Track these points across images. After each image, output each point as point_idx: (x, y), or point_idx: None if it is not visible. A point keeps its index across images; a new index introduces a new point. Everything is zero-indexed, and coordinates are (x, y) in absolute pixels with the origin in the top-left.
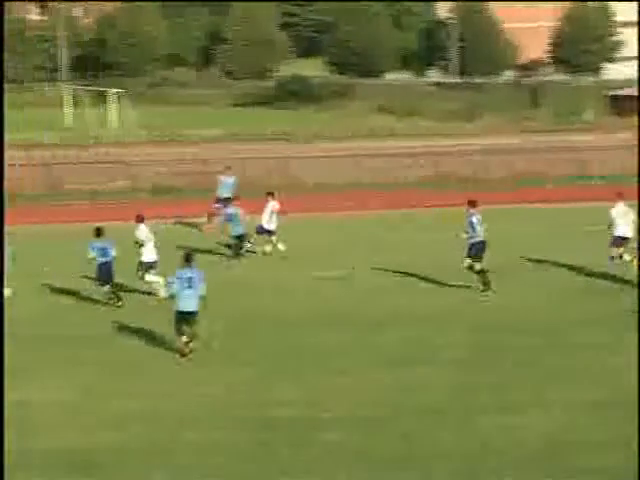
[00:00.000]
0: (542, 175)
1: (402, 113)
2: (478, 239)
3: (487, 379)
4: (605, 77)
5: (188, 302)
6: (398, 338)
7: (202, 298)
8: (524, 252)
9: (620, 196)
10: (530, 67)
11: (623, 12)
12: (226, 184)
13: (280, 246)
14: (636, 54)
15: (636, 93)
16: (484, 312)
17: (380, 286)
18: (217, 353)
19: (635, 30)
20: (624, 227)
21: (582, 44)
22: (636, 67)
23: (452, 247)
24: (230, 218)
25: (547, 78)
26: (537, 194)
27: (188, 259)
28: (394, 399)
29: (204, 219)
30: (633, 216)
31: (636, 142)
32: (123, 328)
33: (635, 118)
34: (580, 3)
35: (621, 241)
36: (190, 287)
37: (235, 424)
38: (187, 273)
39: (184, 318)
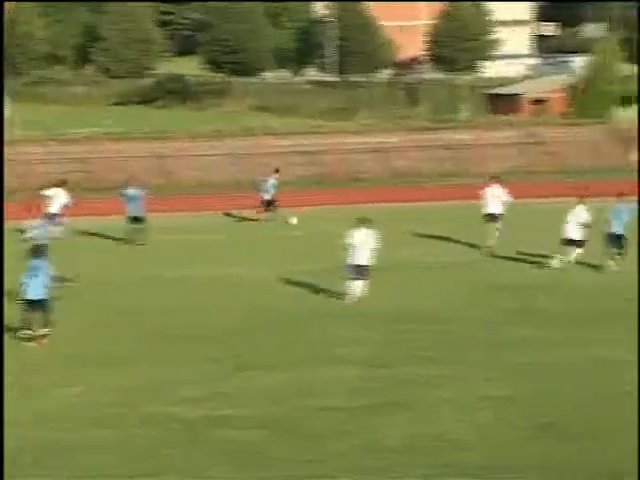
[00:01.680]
0: (421, 173)
1: (280, 112)
2: None
3: (390, 376)
4: (482, 75)
5: (35, 291)
6: (304, 339)
7: (47, 287)
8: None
9: (582, 197)
10: (408, 65)
11: (499, 11)
12: (271, 185)
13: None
14: (512, 52)
15: (513, 91)
16: (383, 306)
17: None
18: (112, 352)
19: (511, 29)
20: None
21: (459, 42)
22: (512, 65)
23: (330, 247)
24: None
25: (425, 76)
26: (416, 193)
27: (36, 251)
28: (294, 398)
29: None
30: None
31: (518, 140)
32: None
33: (513, 116)
34: (456, 2)
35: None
36: (37, 276)
37: (129, 422)
38: (35, 264)
39: (32, 307)
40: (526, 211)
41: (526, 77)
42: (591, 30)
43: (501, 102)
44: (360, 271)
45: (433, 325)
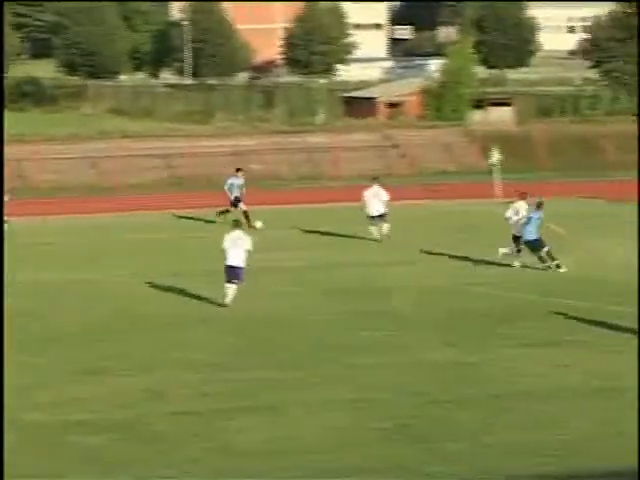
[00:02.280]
0: (278, 176)
1: (136, 115)
2: None
3: (244, 379)
4: (338, 79)
5: None
6: (158, 343)
7: None
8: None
9: (523, 195)
10: (264, 68)
11: (355, 14)
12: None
13: None
14: (368, 56)
15: (369, 95)
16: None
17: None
18: None
19: (367, 32)
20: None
21: (314, 46)
22: (368, 69)
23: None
24: None
25: (281, 79)
26: (274, 196)
27: None
28: (146, 403)
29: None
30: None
31: (374, 143)
32: None
33: (369, 119)
34: (311, 4)
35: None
36: None
37: None
38: None
39: None
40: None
41: (382, 80)
42: (446, 33)
43: (357, 105)
44: (234, 273)
45: (287, 328)
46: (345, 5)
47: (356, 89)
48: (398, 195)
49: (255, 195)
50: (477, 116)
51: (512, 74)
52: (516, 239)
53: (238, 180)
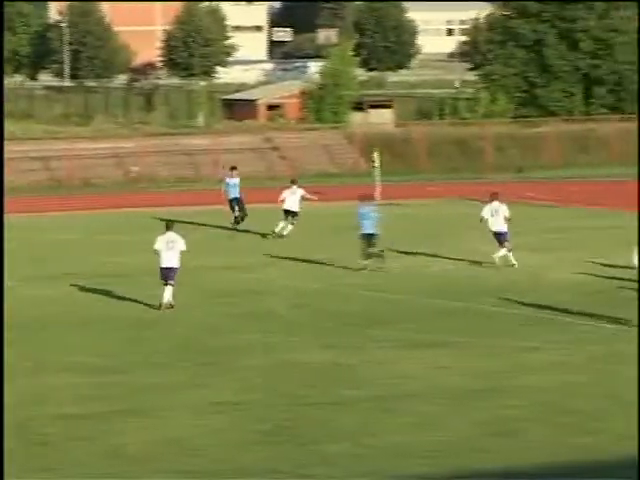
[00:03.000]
0: (157, 178)
1: (15, 117)
2: None
3: (126, 382)
4: (219, 81)
5: None
6: (40, 346)
7: None
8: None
9: (494, 195)
10: (143, 70)
11: (235, 16)
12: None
13: None
14: (248, 58)
15: (249, 97)
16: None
17: None
18: None
19: (247, 35)
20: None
21: (194, 48)
22: (248, 71)
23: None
24: None
25: (161, 82)
26: (153, 198)
27: None
28: (28, 406)
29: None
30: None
31: (254, 146)
32: None
33: (250, 122)
34: (191, 5)
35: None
36: None
37: None
38: None
39: None
40: (262, 216)
41: (262, 82)
42: (326, 35)
43: (237, 108)
44: (169, 274)
45: (167, 331)
46: (225, 7)
47: (236, 91)
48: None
49: (133, 197)
50: (357, 118)
51: (392, 76)
52: (497, 236)
53: (233, 179)
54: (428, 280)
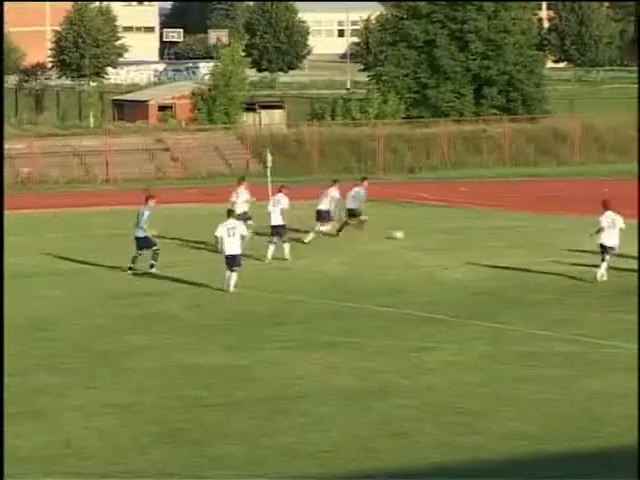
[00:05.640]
0: (48, 180)
1: None
2: None
3: (20, 384)
4: (110, 82)
5: None
6: None
7: None
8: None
9: (607, 203)
10: (34, 71)
11: (126, 17)
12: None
13: None
14: (139, 59)
15: (140, 98)
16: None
17: None
18: None
19: (138, 35)
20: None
21: (84, 48)
22: (139, 72)
23: None
24: None
25: (51, 82)
26: (43, 199)
27: None
28: None
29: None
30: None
31: (146, 146)
32: None
33: (141, 123)
34: (81, 6)
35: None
36: None
37: None
38: None
39: None
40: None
41: (153, 83)
42: (217, 36)
43: (129, 109)
44: (233, 262)
45: (58, 333)
46: (115, 8)
47: (127, 92)
48: (170, 198)
49: (23, 198)
50: (249, 119)
51: (283, 77)
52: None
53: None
54: (323, 281)
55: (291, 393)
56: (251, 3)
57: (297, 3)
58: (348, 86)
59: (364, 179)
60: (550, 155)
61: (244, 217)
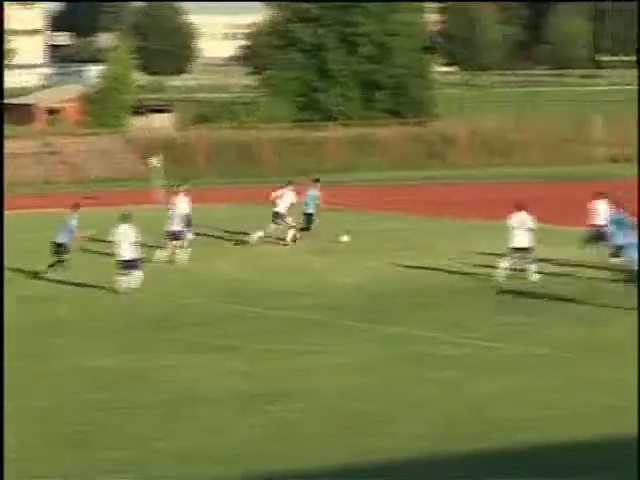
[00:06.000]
0: None
1: None
2: None
3: None
4: None
5: None
6: None
7: None
8: None
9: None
10: None
11: (12, 20)
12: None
13: None
14: (26, 62)
15: (27, 101)
16: None
17: None
18: None
19: (24, 38)
20: None
21: None
22: (27, 75)
23: None
24: None
25: None
26: None
27: None
28: None
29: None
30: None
31: (34, 150)
32: None
33: (29, 126)
34: None
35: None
36: None
37: None
38: None
39: None
40: (42, 222)
41: (40, 87)
42: (106, 39)
43: (16, 112)
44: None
45: None
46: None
47: (15, 96)
48: (58, 202)
49: None
50: (137, 122)
51: (172, 80)
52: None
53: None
54: (216, 284)
55: (185, 397)
56: (138, 5)
57: (186, 7)
58: (237, 89)
59: (317, 180)
60: (439, 158)
61: (187, 221)
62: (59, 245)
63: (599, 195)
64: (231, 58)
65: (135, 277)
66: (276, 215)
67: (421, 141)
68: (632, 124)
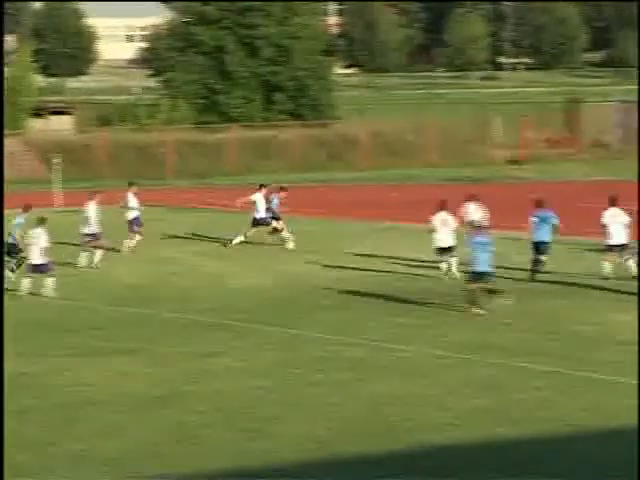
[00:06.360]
0: None
1: None
2: None
3: None
4: None
5: None
6: None
7: None
8: None
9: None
10: None
11: None
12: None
13: None
14: None
15: None
16: None
17: None
18: None
19: None
20: None
21: None
22: None
23: None
24: None
25: None
26: None
27: None
28: None
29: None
30: None
31: None
32: None
33: None
34: None
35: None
36: None
37: None
38: None
39: None
40: None
41: None
42: (6, 41)
43: None
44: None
45: None
46: None
47: None
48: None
49: None
50: (37, 125)
51: (72, 82)
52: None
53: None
54: (114, 287)
55: (81, 400)
56: (38, 7)
57: (86, 9)
58: (137, 92)
59: (282, 189)
60: (340, 160)
61: (136, 222)
62: (13, 246)
63: (471, 197)
64: (132, 60)
65: (48, 282)
66: (256, 220)
67: (322, 143)
68: (531, 126)
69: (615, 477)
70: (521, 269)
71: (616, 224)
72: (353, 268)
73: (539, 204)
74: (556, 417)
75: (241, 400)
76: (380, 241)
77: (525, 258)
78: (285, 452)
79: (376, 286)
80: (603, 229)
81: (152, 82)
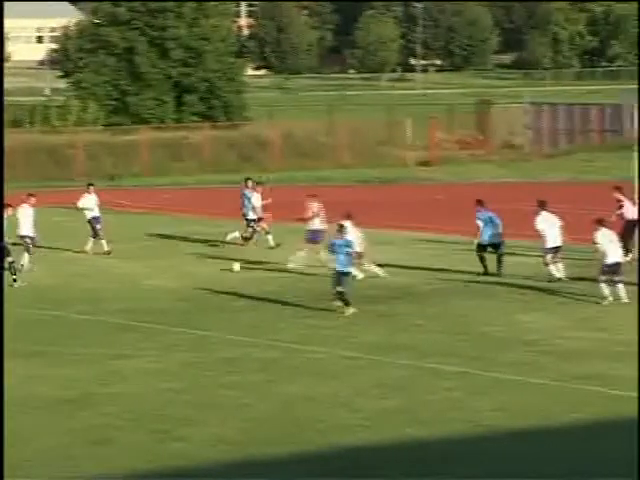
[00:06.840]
0: None
1: None
2: None
3: None
4: None
5: None
6: None
7: None
8: None
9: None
10: None
11: None
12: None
13: None
14: None
15: None
16: None
17: None
18: None
19: None
20: None
21: None
22: None
23: None
24: None
25: None
26: None
27: None
28: None
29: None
30: None
31: None
32: None
33: None
34: None
35: None
36: None
37: None
38: None
39: None
40: None
41: None
42: None
43: None
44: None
45: None
46: None
47: None
48: None
49: None
50: None
51: None
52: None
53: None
54: (23, 288)
55: None
56: None
57: None
58: (47, 93)
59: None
60: (251, 162)
61: (97, 221)
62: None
63: (311, 196)
64: (42, 61)
65: None
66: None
67: (233, 144)
68: (440, 127)
69: (524, 477)
70: (427, 269)
71: (552, 227)
72: (264, 269)
73: (480, 204)
74: (466, 417)
75: (152, 402)
76: (289, 243)
77: (436, 260)
78: (197, 453)
79: (286, 287)
80: (538, 233)
81: (62, 83)
